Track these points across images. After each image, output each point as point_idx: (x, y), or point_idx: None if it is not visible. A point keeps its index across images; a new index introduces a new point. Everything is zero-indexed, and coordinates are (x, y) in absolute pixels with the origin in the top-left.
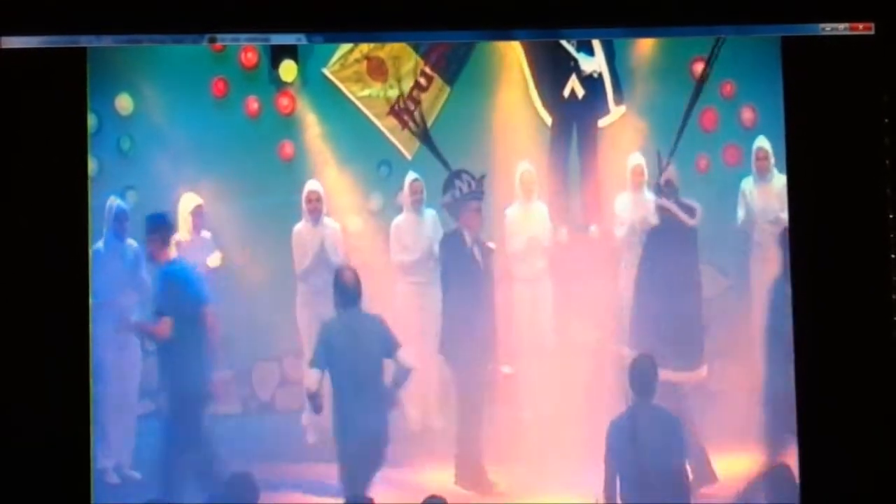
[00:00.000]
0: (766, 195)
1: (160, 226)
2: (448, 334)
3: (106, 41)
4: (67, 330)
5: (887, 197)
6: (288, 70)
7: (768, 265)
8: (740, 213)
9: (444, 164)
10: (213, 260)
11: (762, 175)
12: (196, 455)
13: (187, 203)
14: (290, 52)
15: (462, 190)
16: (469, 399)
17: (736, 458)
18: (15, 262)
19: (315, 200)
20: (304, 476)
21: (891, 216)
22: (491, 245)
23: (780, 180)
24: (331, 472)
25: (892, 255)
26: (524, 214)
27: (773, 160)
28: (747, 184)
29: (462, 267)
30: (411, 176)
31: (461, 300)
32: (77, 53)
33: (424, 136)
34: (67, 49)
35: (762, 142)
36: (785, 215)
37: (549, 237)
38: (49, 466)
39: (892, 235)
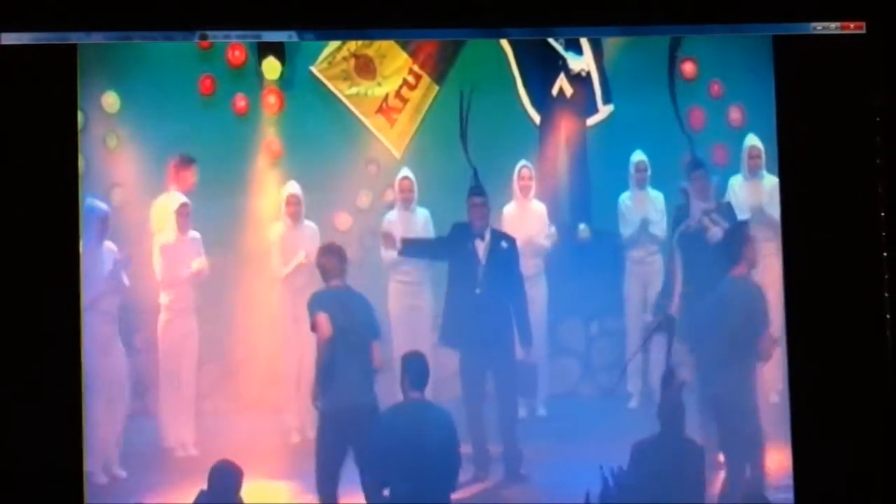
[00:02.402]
0: (757, 194)
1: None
2: (447, 323)
3: (97, 38)
4: (58, 329)
5: (879, 195)
6: (271, 67)
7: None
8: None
9: (469, 161)
10: (198, 263)
11: (753, 173)
12: None
13: (171, 202)
14: (275, 49)
15: (470, 183)
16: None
17: None
18: (2, 261)
19: (295, 203)
20: (288, 473)
21: (882, 214)
22: (503, 244)
23: (769, 180)
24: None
25: (885, 254)
26: (522, 213)
27: (764, 159)
28: (736, 181)
29: (461, 258)
30: (401, 174)
31: (460, 291)
32: (67, 50)
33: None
34: (58, 46)
35: (754, 140)
36: (775, 213)
37: (545, 235)
38: (40, 466)
39: (883, 234)
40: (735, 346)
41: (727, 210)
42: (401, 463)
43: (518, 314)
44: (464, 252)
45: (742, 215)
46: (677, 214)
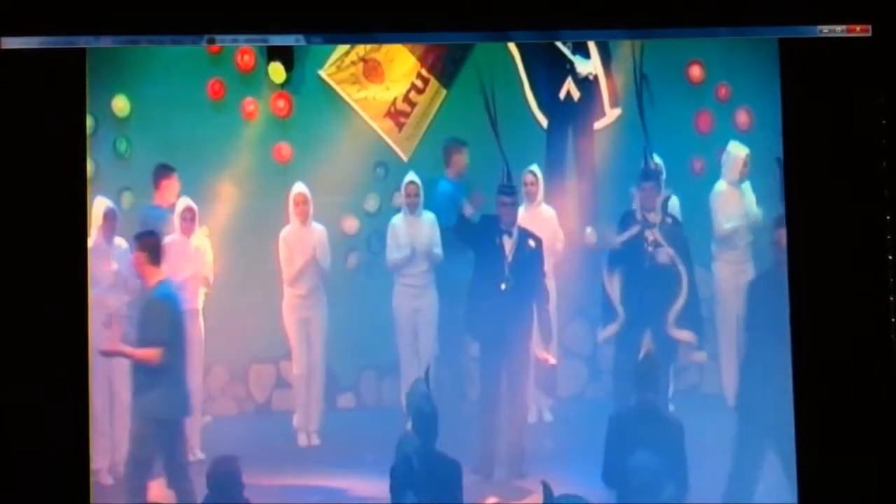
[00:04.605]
0: (743, 199)
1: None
2: (470, 316)
3: (105, 42)
4: (65, 331)
5: (885, 198)
6: (276, 72)
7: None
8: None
9: (504, 158)
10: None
11: (741, 179)
12: None
13: (178, 206)
14: (281, 53)
15: (501, 181)
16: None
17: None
18: (11, 264)
19: (302, 203)
20: (294, 476)
21: (888, 218)
22: (531, 242)
23: (747, 184)
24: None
25: (890, 257)
26: (534, 218)
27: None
28: (721, 187)
29: (489, 252)
30: (407, 178)
31: (484, 284)
32: (76, 54)
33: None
34: (66, 50)
35: (743, 149)
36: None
37: (556, 240)
38: (47, 466)
39: (889, 237)
40: None
41: (671, 230)
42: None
43: (540, 313)
44: (491, 246)
45: (727, 221)
46: (622, 220)
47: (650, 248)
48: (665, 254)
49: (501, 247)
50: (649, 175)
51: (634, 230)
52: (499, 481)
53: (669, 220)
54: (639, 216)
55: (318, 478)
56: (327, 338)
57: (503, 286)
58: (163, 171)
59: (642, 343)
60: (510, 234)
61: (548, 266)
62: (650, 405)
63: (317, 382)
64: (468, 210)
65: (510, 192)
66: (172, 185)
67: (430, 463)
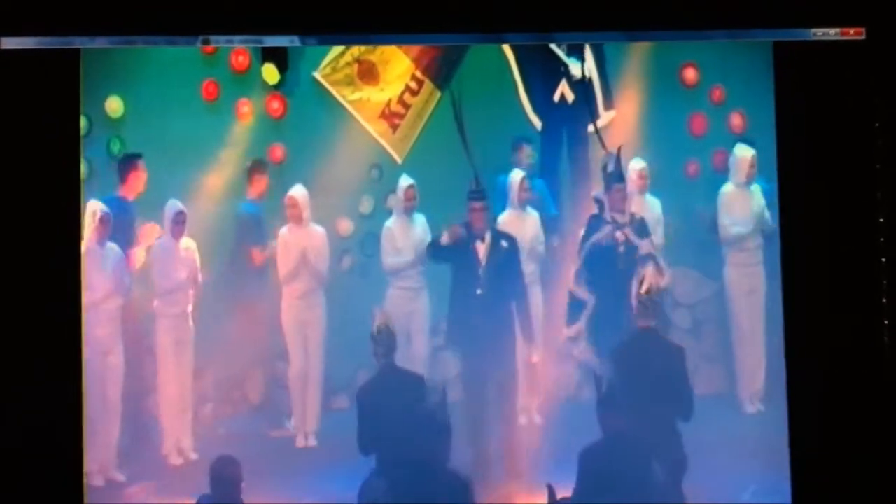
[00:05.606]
0: (750, 201)
1: None
2: (452, 326)
3: (100, 42)
4: (59, 332)
5: (878, 200)
6: (270, 73)
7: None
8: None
9: (471, 164)
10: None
11: (749, 181)
12: None
13: (169, 209)
14: (275, 55)
15: (470, 188)
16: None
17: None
18: (5, 263)
19: (292, 206)
20: (286, 478)
21: (881, 220)
22: (504, 243)
23: (757, 188)
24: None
25: (883, 259)
26: (518, 221)
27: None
28: (727, 189)
29: (463, 260)
30: (406, 181)
31: (462, 293)
32: (70, 55)
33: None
34: (61, 50)
35: (750, 150)
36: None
37: (541, 242)
38: (40, 468)
39: (882, 239)
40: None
41: (640, 226)
42: None
43: (520, 313)
44: (465, 254)
45: (734, 224)
46: (590, 224)
47: (621, 249)
48: (641, 247)
49: (475, 252)
50: (619, 177)
51: (605, 231)
52: (489, 483)
53: (637, 217)
54: (608, 217)
55: (315, 478)
56: (322, 339)
57: (479, 291)
58: (258, 166)
59: (644, 276)
60: (482, 239)
61: (532, 268)
62: (651, 333)
63: (313, 384)
64: (445, 239)
65: (480, 197)
66: (263, 180)
67: (394, 373)
